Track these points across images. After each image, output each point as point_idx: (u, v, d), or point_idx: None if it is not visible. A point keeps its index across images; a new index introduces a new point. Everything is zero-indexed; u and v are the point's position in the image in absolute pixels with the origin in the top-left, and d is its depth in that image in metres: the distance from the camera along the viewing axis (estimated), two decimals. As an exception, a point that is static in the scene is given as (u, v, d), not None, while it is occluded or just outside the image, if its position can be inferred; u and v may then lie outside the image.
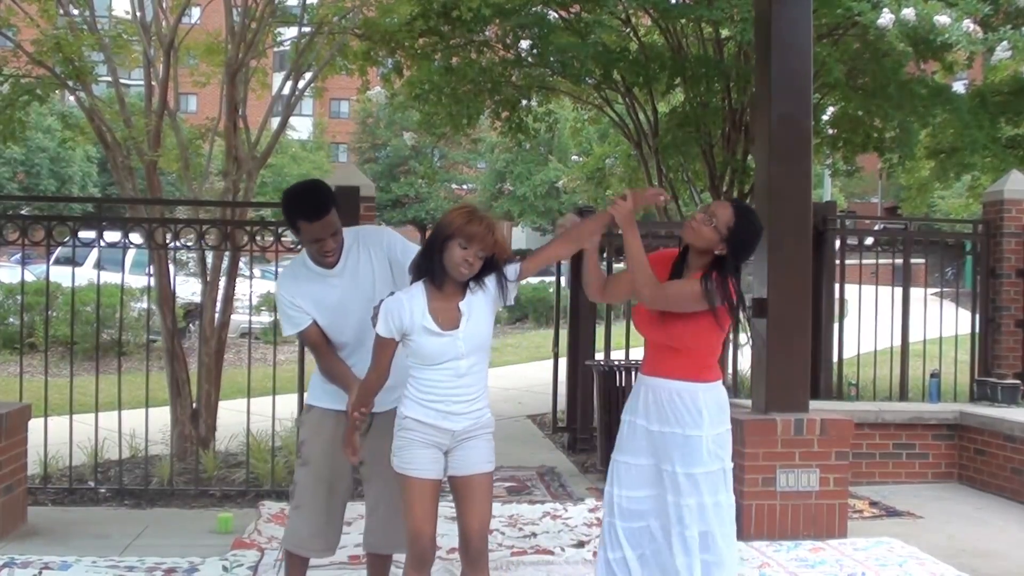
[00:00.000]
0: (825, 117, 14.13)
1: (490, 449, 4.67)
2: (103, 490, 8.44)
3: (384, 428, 4.90)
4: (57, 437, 8.42)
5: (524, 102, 15.06)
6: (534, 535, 7.33)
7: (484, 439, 4.66)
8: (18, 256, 13.93)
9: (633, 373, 9.38)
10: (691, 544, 4.80)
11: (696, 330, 4.91)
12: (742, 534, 7.23)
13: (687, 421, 4.88)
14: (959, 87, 14.76)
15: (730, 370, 11.41)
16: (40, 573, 6.10)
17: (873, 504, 8.55)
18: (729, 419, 5.03)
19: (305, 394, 5.57)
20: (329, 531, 5.26)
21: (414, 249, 4.91)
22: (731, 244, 4.91)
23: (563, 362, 11.24)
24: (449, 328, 4.52)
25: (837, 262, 10.57)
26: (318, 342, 5.15)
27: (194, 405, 9.73)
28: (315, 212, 4.95)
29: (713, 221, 4.90)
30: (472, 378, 4.58)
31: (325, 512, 5.21)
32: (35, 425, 7.71)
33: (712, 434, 4.91)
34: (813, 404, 7.89)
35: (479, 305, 4.58)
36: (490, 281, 4.62)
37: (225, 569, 6.27)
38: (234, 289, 10.06)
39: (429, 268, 4.56)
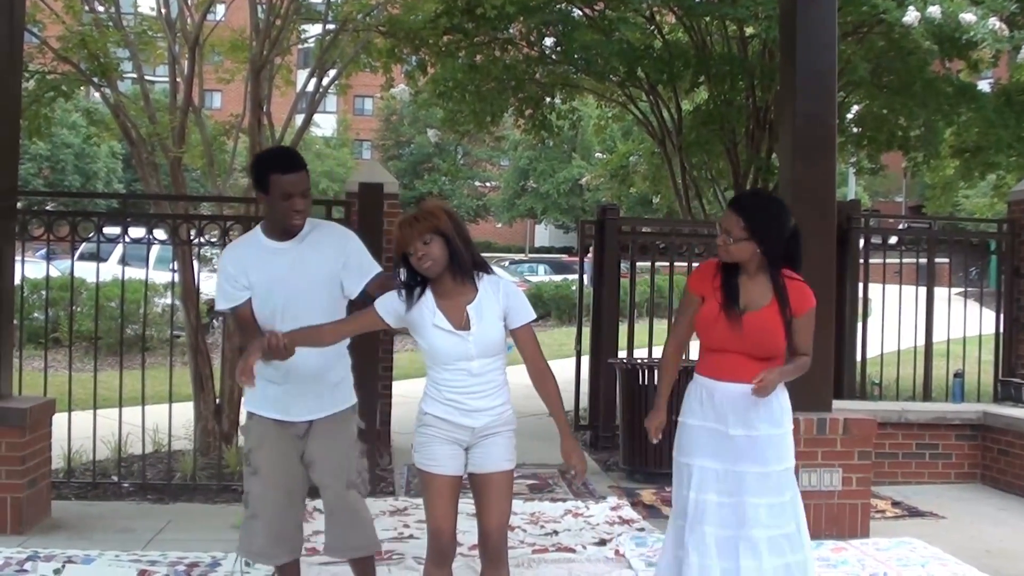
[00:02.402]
0: (850, 115, 14.10)
1: (510, 447, 4.66)
2: (126, 485, 8.47)
3: (328, 432, 5.06)
4: (81, 432, 8.45)
5: (548, 99, 15.08)
6: (556, 533, 7.32)
7: (505, 436, 4.64)
8: (43, 251, 13.99)
9: (655, 371, 9.35)
10: (782, 544, 4.88)
11: (782, 339, 4.96)
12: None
13: (778, 419, 4.99)
14: (984, 86, 14.72)
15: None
16: (63, 567, 6.13)
17: (896, 504, 8.52)
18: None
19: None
20: (289, 536, 5.13)
21: (369, 260, 5.14)
22: (761, 239, 4.89)
23: (586, 360, 11.24)
24: (460, 327, 4.52)
25: (861, 261, 10.52)
26: (249, 320, 5.00)
27: (217, 400, 9.76)
28: (290, 164, 4.95)
29: (730, 234, 4.90)
30: (488, 376, 4.57)
31: (280, 520, 5.05)
32: (59, 420, 7.74)
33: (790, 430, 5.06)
34: (836, 403, 7.86)
35: (489, 310, 4.56)
36: (503, 299, 4.61)
37: (247, 564, 6.27)
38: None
39: (416, 281, 4.58)
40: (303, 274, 4.96)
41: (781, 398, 5.03)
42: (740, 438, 4.93)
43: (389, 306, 4.61)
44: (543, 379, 4.67)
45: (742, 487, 4.89)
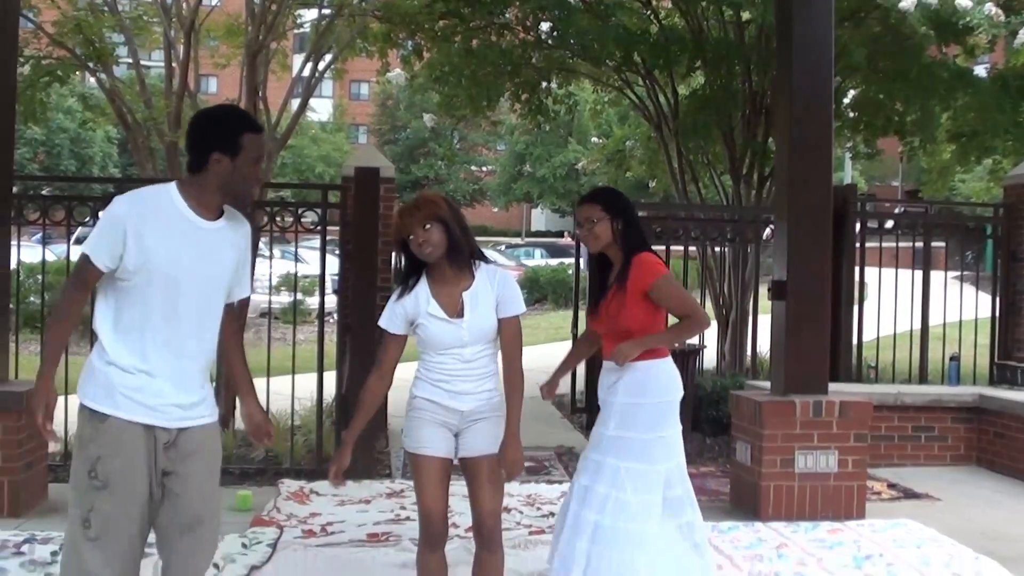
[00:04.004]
0: (846, 100, 14.09)
1: (499, 431, 4.68)
2: (124, 468, 8.46)
3: (191, 447, 4.13)
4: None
5: (544, 84, 15.06)
6: (552, 515, 7.34)
7: (493, 421, 4.68)
8: (39, 236, 13.97)
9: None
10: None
11: (631, 315, 5.20)
12: (761, 515, 7.26)
13: (639, 390, 5.20)
14: (981, 71, 14.69)
15: (748, 352, 11.42)
16: (60, 549, 6.14)
17: (891, 486, 8.54)
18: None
19: (84, 390, 4.17)
20: (134, 565, 4.10)
21: (247, 260, 4.43)
22: (615, 214, 5.29)
23: (582, 344, 11.24)
24: (454, 315, 4.58)
25: (857, 245, 10.53)
26: (91, 285, 4.11)
27: (214, 384, 9.74)
28: (258, 124, 4.34)
29: (592, 219, 5.26)
30: (479, 362, 4.64)
31: (129, 545, 4.03)
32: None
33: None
34: (832, 386, 7.88)
35: (484, 298, 4.63)
36: (498, 287, 4.67)
37: (244, 546, 6.30)
38: (254, 269, 10.07)
39: (415, 267, 4.67)
40: (216, 264, 4.18)
41: (652, 371, 5.19)
42: (605, 403, 5.32)
43: (395, 319, 4.68)
44: (512, 379, 4.69)
45: (599, 447, 5.17)
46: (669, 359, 5.26)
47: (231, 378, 4.62)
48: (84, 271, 4.04)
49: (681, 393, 5.26)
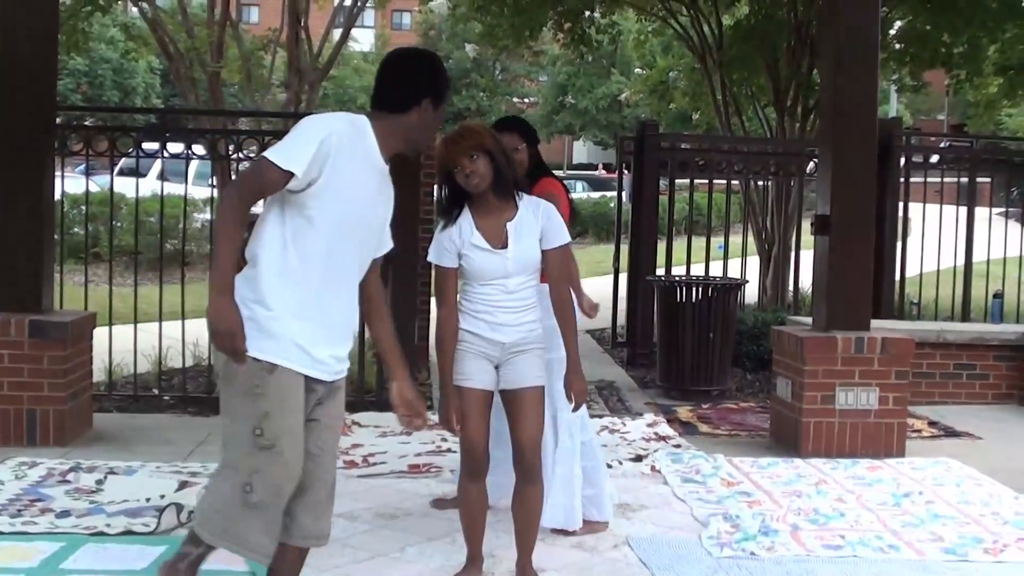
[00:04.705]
0: (892, 31, 13.91)
1: (541, 364, 4.69)
2: (167, 398, 8.56)
3: (335, 403, 3.96)
4: (121, 345, 8.53)
5: (587, 13, 14.95)
6: (591, 448, 7.36)
7: (534, 354, 4.68)
8: (82, 167, 14.04)
9: (694, 289, 9.36)
10: None
11: None
12: (800, 451, 7.26)
13: None
14: (1031, 1, 14.44)
15: (791, 287, 11.37)
16: (105, 478, 6.22)
17: (932, 424, 8.51)
18: None
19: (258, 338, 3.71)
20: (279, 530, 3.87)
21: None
22: (531, 143, 5.71)
23: (623, 277, 11.23)
24: (498, 245, 4.56)
25: (901, 180, 10.43)
26: (261, 196, 3.80)
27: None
28: None
29: (516, 147, 5.47)
30: (522, 294, 4.62)
31: (281, 512, 3.82)
32: (100, 334, 7.80)
33: None
34: (874, 323, 7.83)
35: (528, 229, 4.60)
36: (542, 219, 4.64)
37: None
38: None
39: (458, 198, 4.62)
40: (381, 210, 4.01)
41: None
42: None
43: (445, 251, 4.61)
44: (562, 311, 4.73)
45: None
46: None
47: (377, 344, 4.27)
48: (262, 178, 3.68)
49: None
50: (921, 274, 10.60)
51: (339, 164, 3.69)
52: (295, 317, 3.72)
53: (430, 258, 4.67)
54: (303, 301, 3.73)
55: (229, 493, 3.73)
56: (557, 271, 4.69)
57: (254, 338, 3.67)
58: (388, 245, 4.11)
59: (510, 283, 4.58)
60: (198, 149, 8.87)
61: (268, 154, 3.68)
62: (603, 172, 47.86)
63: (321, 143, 3.65)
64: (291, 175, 3.61)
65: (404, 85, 3.96)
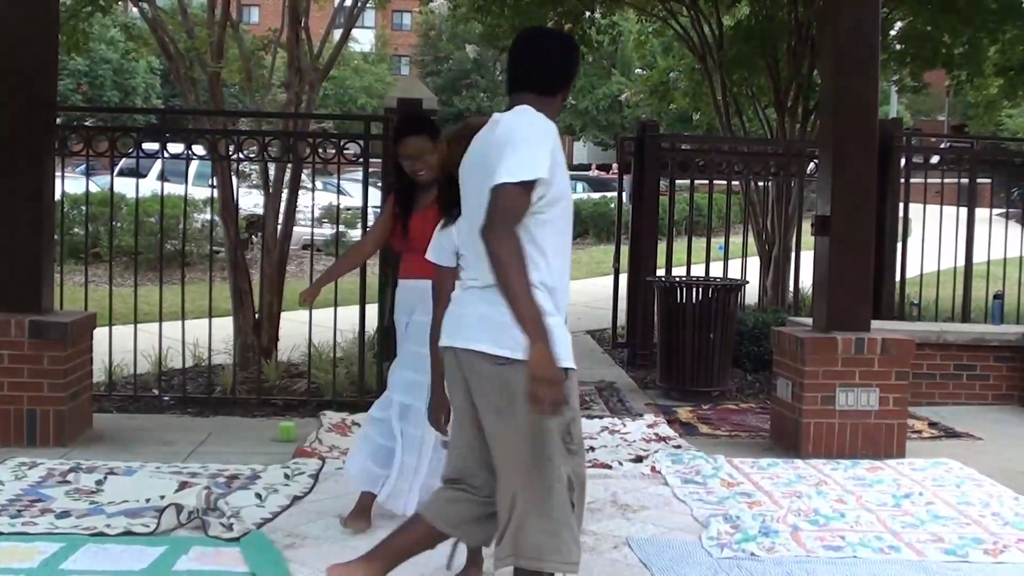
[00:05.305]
0: (893, 32, 13.91)
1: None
2: (167, 398, 8.56)
3: None
4: (121, 346, 8.53)
5: (587, 14, 14.94)
6: (592, 449, 7.35)
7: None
8: (83, 167, 14.04)
9: (695, 289, 9.36)
10: None
11: None
12: (801, 452, 7.25)
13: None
14: (1032, 2, 14.44)
15: (791, 288, 11.37)
16: (105, 478, 6.21)
17: (932, 425, 8.51)
18: None
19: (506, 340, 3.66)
20: None
21: None
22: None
23: (624, 278, 11.23)
24: None
25: (902, 180, 10.43)
26: (522, 212, 3.62)
27: (256, 316, 9.82)
28: None
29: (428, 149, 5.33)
30: None
31: None
32: (100, 334, 7.81)
33: None
34: (875, 323, 7.83)
35: None
36: None
37: (287, 476, 6.35)
38: (296, 201, 10.12)
39: (459, 197, 4.37)
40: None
41: None
42: (413, 323, 5.43)
43: (443, 251, 4.56)
44: None
45: (417, 366, 5.20)
46: None
47: None
48: (523, 198, 3.58)
49: None
50: (921, 275, 10.59)
51: (556, 157, 3.69)
52: (554, 318, 3.69)
53: (429, 256, 4.65)
54: (557, 301, 3.76)
55: (559, 509, 3.70)
56: None
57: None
58: None
59: None
60: (198, 149, 8.87)
61: (518, 174, 3.56)
62: (598, 172, 47.84)
63: (548, 145, 3.65)
64: (537, 181, 3.58)
65: (556, 70, 3.92)
